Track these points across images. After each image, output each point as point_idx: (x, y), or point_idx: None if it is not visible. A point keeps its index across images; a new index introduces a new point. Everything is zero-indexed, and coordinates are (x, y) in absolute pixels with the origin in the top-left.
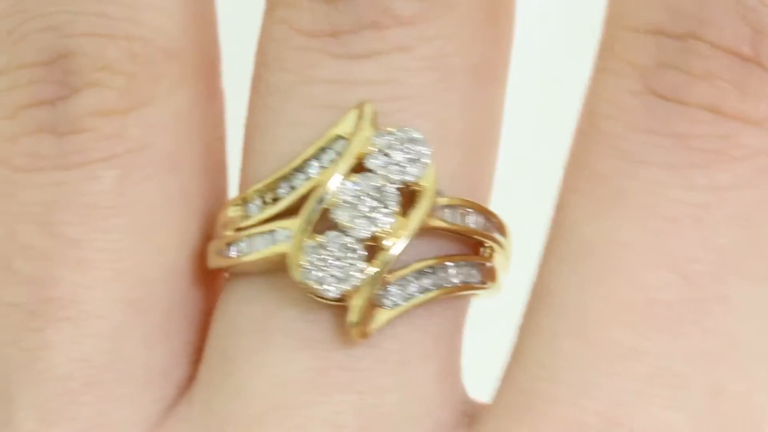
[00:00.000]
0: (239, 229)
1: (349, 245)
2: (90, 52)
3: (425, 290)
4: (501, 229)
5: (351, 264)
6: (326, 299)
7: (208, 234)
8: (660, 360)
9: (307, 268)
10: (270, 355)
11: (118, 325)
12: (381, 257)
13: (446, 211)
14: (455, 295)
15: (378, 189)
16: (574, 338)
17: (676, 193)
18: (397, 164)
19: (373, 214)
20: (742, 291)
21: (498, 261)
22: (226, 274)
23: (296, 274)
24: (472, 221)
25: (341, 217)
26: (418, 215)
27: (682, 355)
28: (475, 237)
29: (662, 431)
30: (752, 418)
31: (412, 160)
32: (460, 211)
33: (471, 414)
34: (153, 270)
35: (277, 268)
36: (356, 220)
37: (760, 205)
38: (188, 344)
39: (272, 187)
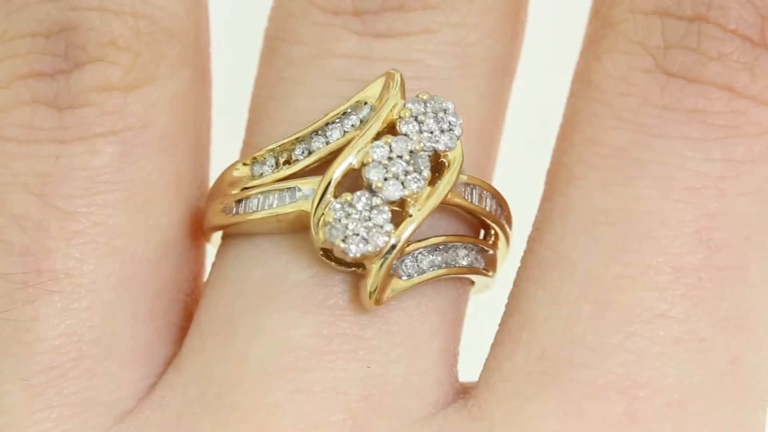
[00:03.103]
0: (247, 189)
1: (377, 206)
2: (97, 27)
3: (436, 267)
4: (509, 219)
5: (378, 225)
6: (343, 261)
7: (195, 216)
8: (684, 324)
9: (333, 226)
10: (275, 318)
11: (108, 301)
12: (407, 225)
13: (467, 189)
14: (460, 276)
15: (411, 153)
16: (597, 303)
17: (695, 164)
18: (429, 132)
19: (406, 177)
20: (758, 262)
21: (500, 251)
22: (208, 243)
23: (319, 232)
24: (488, 205)
25: (373, 176)
26: (444, 187)
27: (704, 321)
28: (488, 221)
29: (685, 393)
30: (760, 387)
31: (443, 130)
32: (479, 192)
33: (462, 392)
34: (146, 248)
35: (287, 228)
36: (388, 181)
37: None
38: (172, 324)
39: (288, 148)
